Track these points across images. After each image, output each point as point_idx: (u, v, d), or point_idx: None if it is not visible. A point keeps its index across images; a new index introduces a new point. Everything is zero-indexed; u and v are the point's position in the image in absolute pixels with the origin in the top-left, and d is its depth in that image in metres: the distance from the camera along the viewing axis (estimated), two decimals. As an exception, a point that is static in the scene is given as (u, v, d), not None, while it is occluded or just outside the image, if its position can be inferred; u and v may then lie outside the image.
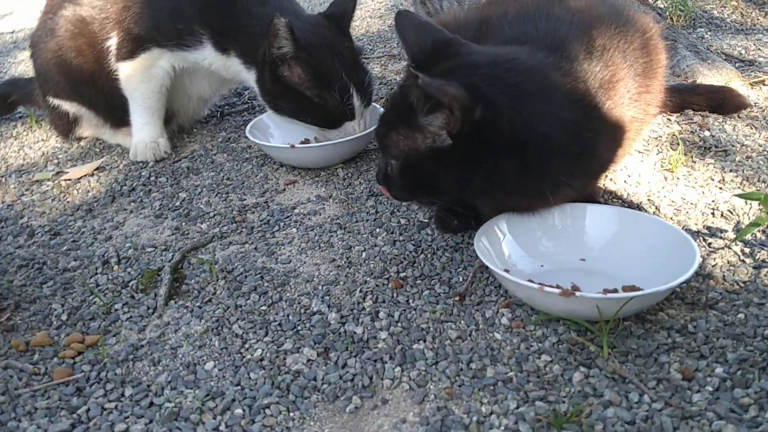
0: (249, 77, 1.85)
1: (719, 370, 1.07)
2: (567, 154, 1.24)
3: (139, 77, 1.97)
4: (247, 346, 1.23)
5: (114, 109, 2.09)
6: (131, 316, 1.34)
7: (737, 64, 2.38)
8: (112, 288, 1.43)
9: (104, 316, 1.35)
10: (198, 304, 1.35)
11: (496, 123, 1.15)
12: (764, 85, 2.19)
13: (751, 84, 2.19)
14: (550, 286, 1.13)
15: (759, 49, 2.53)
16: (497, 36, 1.37)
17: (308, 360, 1.18)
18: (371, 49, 2.93)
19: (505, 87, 1.17)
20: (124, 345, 1.26)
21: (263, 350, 1.21)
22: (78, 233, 1.67)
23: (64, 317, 1.35)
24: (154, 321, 1.32)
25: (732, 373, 1.06)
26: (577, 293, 1.10)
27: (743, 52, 2.50)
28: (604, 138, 1.32)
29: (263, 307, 1.33)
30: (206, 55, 1.90)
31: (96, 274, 1.49)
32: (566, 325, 1.19)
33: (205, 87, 2.09)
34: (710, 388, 1.04)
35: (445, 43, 1.29)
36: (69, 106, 2.12)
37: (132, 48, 1.95)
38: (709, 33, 2.73)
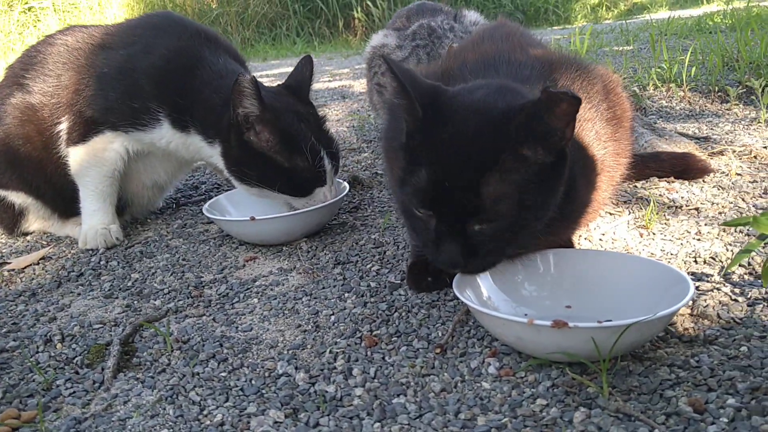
0: (212, 152, 1.79)
1: (731, 401, 0.97)
2: None
3: (90, 161, 1.89)
4: (205, 412, 1.09)
5: (63, 199, 1.99)
6: (75, 391, 1.19)
7: (693, 141, 2.41)
8: (54, 365, 1.29)
9: (44, 392, 1.19)
10: (150, 374, 1.22)
11: None
12: (723, 155, 2.20)
13: (710, 155, 2.20)
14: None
15: (711, 128, 2.58)
16: (459, 84, 1.34)
17: (275, 422, 1.04)
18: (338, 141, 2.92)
19: None
20: (66, 420, 1.10)
21: (223, 415, 1.07)
22: (19, 316, 1.53)
23: (-3, 396, 1.20)
24: (100, 394, 1.17)
25: (746, 403, 0.96)
26: (571, 324, 1.00)
27: (696, 131, 2.55)
28: (579, 178, 1.27)
29: (223, 374, 1.20)
30: (163, 134, 1.83)
31: (37, 352, 1.34)
32: (560, 368, 1.09)
33: (160, 173, 2.01)
34: (725, 419, 0.93)
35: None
36: (15, 197, 2.02)
37: (84, 131, 1.88)
38: (661, 119, 2.79)
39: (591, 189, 1.33)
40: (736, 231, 1.58)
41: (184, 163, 2.01)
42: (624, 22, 7.23)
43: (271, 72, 6.58)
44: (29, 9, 12.01)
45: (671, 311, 1.03)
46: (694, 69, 3.17)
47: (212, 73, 1.81)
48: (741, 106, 2.86)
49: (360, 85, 4.63)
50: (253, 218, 1.73)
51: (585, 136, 1.27)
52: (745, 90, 2.93)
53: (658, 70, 3.28)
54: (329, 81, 5.05)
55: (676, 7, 12.18)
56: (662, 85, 3.18)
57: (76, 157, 1.90)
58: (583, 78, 1.35)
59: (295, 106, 1.77)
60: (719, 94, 3.00)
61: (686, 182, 1.96)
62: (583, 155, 1.28)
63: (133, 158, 1.93)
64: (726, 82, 3.20)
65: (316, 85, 4.76)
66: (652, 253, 1.51)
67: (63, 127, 1.90)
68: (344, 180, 2.20)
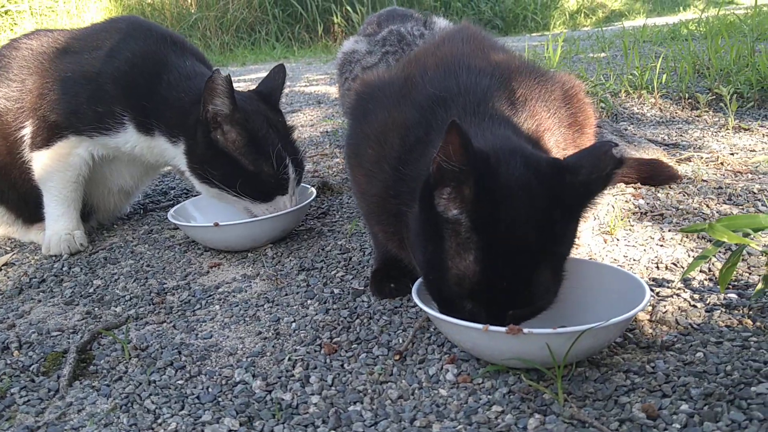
0: (176, 153, 1.77)
1: (685, 406, 0.97)
2: None
3: (54, 166, 1.87)
4: (159, 421, 1.07)
5: (27, 204, 1.97)
6: (29, 399, 1.17)
7: (662, 147, 2.42)
8: (10, 373, 1.26)
9: (-4, 401, 1.17)
10: (106, 382, 1.20)
11: None
12: (691, 161, 2.22)
13: (678, 161, 2.22)
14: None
15: (681, 135, 2.60)
16: (420, 93, 1.32)
17: (229, 430, 1.03)
18: (304, 151, 2.90)
19: None
20: (18, 428, 1.08)
21: (178, 424, 1.06)
22: (-25, 324, 1.50)
23: (-52, 406, 1.17)
24: (54, 402, 1.16)
25: (699, 409, 0.96)
26: (525, 330, 1.00)
27: (666, 138, 2.57)
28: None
29: (180, 381, 1.18)
30: (128, 138, 1.82)
31: (-8, 361, 1.32)
32: (516, 374, 1.09)
33: (126, 178, 1.99)
34: (678, 425, 0.93)
35: None
36: (-22, 204, 1.99)
37: (48, 136, 1.85)
38: (632, 126, 2.81)
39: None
40: (698, 237, 1.59)
41: (150, 167, 1.99)
42: (601, 29, 7.29)
43: (250, 77, 6.57)
44: (6, 12, 11.90)
45: (625, 318, 1.03)
46: (665, 76, 3.20)
47: (179, 75, 1.79)
48: (711, 112, 2.89)
49: (336, 91, 4.62)
50: (217, 224, 1.71)
51: (542, 146, 1.27)
52: (714, 97, 2.96)
53: (630, 77, 3.31)
54: (305, 86, 5.04)
55: (654, 15, 12.31)
56: (634, 92, 3.20)
57: (40, 162, 1.88)
58: (542, 86, 1.35)
59: (265, 111, 1.77)
60: (690, 101, 3.03)
61: (653, 188, 1.98)
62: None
63: (98, 163, 1.91)
64: (696, 89, 3.23)
65: (293, 89, 4.76)
66: (615, 259, 1.51)
67: (27, 131, 1.87)
68: (314, 185, 2.19)
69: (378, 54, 2.39)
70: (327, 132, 3.23)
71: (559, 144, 1.34)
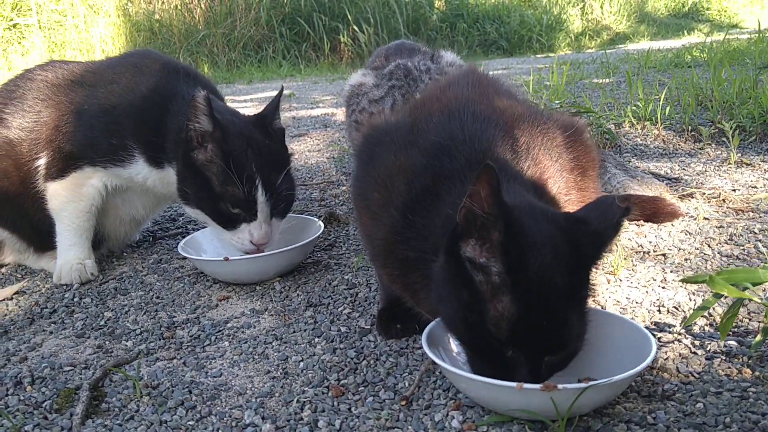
0: None
1: (685, 460, 0.99)
2: None
3: (69, 197, 1.90)
4: (171, 463, 1.10)
5: (39, 233, 2.00)
6: (41, 438, 1.20)
7: (665, 181, 2.46)
8: (23, 409, 1.29)
9: (11, 439, 1.20)
10: (119, 422, 1.22)
11: None
12: (693, 198, 2.25)
13: (680, 197, 2.25)
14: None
15: (683, 169, 2.64)
16: (426, 140, 1.35)
17: (240, 474, 1.06)
18: (310, 177, 2.94)
19: None
20: (31, 468, 1.11)
21: (189, 466, 1.08)
22: (-11, 356, 1.53)
23: (-37, 443, 1.20)
24: (67, 442, 1.18)
25: (699, 462, 0.99)
26: (526, 386, 1.02)
27: (669, 171, 2.60)
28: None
29: (190, 422, 1.21)
30: (140, 170, 1.86)
31: (6, 395, 1.34)
32: (521, 424, 1.11)
33: (138, 208, 2.03)
34: (678, 480, 0.96)
35: None
36: (-9, 231, 2.03)
37: (63, 167, 1.89)
38: (635, 158, 2.84)
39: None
40: (700, 280, 1.61)
41: (162, 198, 2.02)
42: (605, 52, 7.33)
43: (256, 96, 6.61)
44: (14, 26, 12.00)
45: (631, 374, 1.06)
46: (668, 108, 3.24)
47: (184, 104, 1.82)
48: (713, 145, 2.93)
49: (343, 114, 4.67)
50: (226, 258, 1.75)
51: (548, 191, 1.30)
52: (717, 130, 3.00)
53: (634, 108, 3.34)
54: (312, 108, 5.09)
55: (658, 38, 12.39)
56: (638, 123, 3.24)
57: (54, 192, 1.91)
58: (544, 133, 1.38)
59: (250, 133, 1.76)
60: (693, 133, 3.07)
61: (655, 226, 2.01)
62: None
63: (111, 193, 1.95)
64: (699, 121, 3.27)
65: (299, 113, 4.81)
66: (617, 301, 1.54)
67: (42, 162, 1.91)
68: (320, 216, 2.23)
69: (385, 87, 2.43)
70: (333, 158, 3.27)
71: (561, 191, 1.37)
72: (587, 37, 11.87)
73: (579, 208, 1.46)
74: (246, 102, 5.90)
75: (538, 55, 10.69)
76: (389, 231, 1.29)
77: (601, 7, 12.17)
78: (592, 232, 1.08)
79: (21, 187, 1.94)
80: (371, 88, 2.47)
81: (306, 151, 3.49)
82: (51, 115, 1.91)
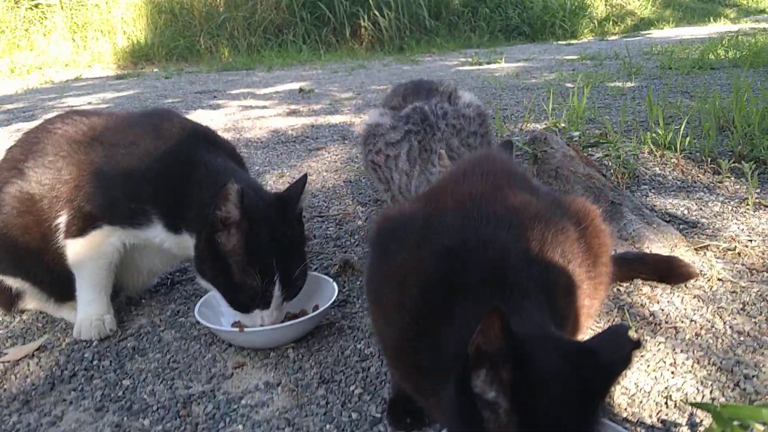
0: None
1: None
2: None
3: (88, 254, 1.95)
4: None
5: (60, 285, 2.04)
6: None
7: (681, 226, 2.46)
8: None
9: None
10: None
11: None
12: (708, 249, 2.25)
13: (696, 249, 2.25)
14: None
15: (701, 208, 2.63)
16: (439, 242, 1.35)
17: None
18: (326, 206, 2.97)
19: None
20: None
21: None
22: (12, 431, 1.58)
23: None
24: None
25: None
26: None
27: (686, 212, 2.59)
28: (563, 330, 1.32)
29: None
30: (157, 234, 1.89)
31: (27, 482, 1.40)
32: None
33: (155, 262, 2.07)
34: None
35: None
36: (12, 282, 2.07)
37: (82, 226, 1.93)
38: (652, 191, 2.84)
39: (566, 333, 1.37)
40: (709, 363, 1.63)
41: (179, 256, 2.06)
42: (627, 49, 7.23)
43: (276, 90, 6.61)
44: (36, 6, 12.06)
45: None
46: (688, 139, 3.21)
47: (206, 173, 1.85)
48: (732, 178, 2.91)
49: (361, 121, 4.67)
50: (241, 329, 1.79)
51: (560, 301, 1.31)
52: (736, 163, 2.97)
53: (653, 135, 3.32)
54: (331, 112, 5.09)
55: (683, 23, 12.20)
56: (657, 149, 3.23)
57: (73, 249, 1.95)
58: (558, 234, 1.39)
59: (274, 221, 1.80)
60: (712, 165, 3.05)
61: (669, 288, 2.01)
62: (561, 314, 1.33)
63: (129, 250, 1.99)
64: (720, 148, 3.24)
65: (317, 120, 4.82)
66: (626, 388, 1.56)
67: (62, 220, 1.95)
68: (335, 265, 2.25)
69: (401, 131, 2.44)
70: (350, 181, 3.28)
71: (573, 290, 1.39)
72: (611, 22, 11.72)
73: (590, 296, 1.49)
74: (266, 98, 5.92)
75: (561, 42, 10.59)
76: (400, 335, 1.31)
77: (627, -8, 11.98)
78: (602, 365, 1.10)
79: (42, 242, 1.98)
80: (388, 130, 2.49)
81: (323, 171, 3.51)
82: (71, 173, 1.94)
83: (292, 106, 5.50)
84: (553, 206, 1.51)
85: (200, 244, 1.79)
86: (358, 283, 2.21)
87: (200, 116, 5.03)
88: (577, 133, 3.12)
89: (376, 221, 1.54)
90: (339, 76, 7.79)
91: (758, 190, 2.70)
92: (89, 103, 6.49)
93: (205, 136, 1.95)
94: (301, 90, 6.34)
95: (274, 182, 3.37)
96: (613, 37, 10.87)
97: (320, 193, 3.15)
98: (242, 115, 5.15)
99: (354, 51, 10.60)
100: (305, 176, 1.91)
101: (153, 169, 1.87)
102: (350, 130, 4.41)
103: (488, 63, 8.07)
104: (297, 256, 1.83)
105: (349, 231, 2.66)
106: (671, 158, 3.16)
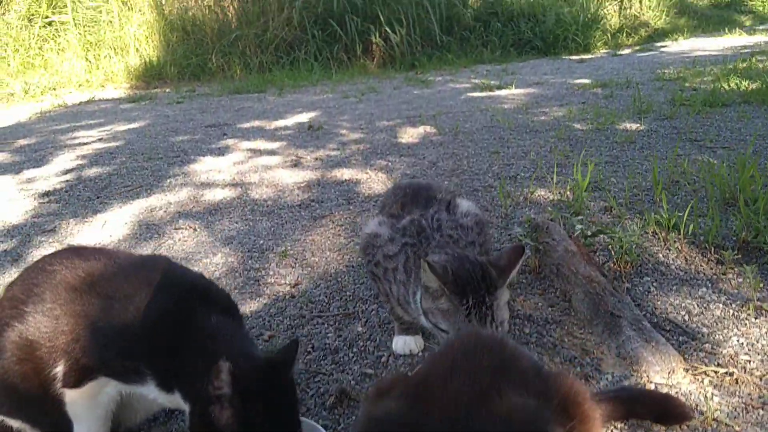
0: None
1: None
2: None
3: (85, 404, 1.98)
4: None
5: (59, 427, 2.08)
6: None
7: (681, 337, 2.45)
8: None
9: None
10: None
11: None
12: (706, 375, 2.24)
13: (693, 375, 2.25)
14: None
15: (702, 311, 2.61)
16: None
17: None
18: (327, 303, 2.97)
19: None
20: None
21: None
22: None
23: None
24: None
25: None
26: None
27: (687, 318, 2.58)
28: None
29: None
30: (150, 391, 1.91)
31: None
32: None
33: (152, 405, 2.10)
34: None
35: None
36: (12, 422, 2.11)
37: (79, 378, 1.95)
38: (654, 285, 2.83)
39: None
40: None
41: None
42: (641, 56, 7.16)
43: (284, 123, 6.61)
44: (49, 24, 12.15)
45: None
46: (692, 226, 3.19)
47: (200, 337, 1.87)
48: (735, 270, 2.89)
49: (367, 178, 4.68)
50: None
51: None
52: (740, 255, 2.95)
53: (657, 217, 3.31)
54: (339, 165, 5.08)
55: (698, 32, 12.06)
56: (660, 232, 3.21)
57: (71, 399, 1.98)
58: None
59: (267, 391, 1.80)
60: (716, 255, 3.02)
61: (663, 428, 2.01)
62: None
63: (125, 398, 2.02)
64: (725, 231, 3.22)
65: (326, 175, 4.82)
66: None
67: (59, 369, 1.97)
68: (331, 395, 2.27)
69: (398, 244, 2.45)
70: (353, 267, 3.28)
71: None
72: (624, 34, 11.60)
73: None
74: (275, 139, 5.93)
75: (573, 57, 10.49)
76: None
77: (640, 2, 11.84)
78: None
79: (40, 389, 2.01)
80: (386, 242, 2.50)
81: (327, 250, 3.52)
82: (69, 325, 1.96)
83: (300, 152, 5.51)
84: (542, 404, 1.52)
85: (194, 417, 1.81)
86: (354, 415, 2.22)
87: (208, 165, 5.04)
88: (579, 227, 3.10)
89: (360, 419, 1.56)
90: (349, 103, 7.78)
91: (760, 293, 2.68)
92: (100, 139, 6.54)
93: (201, 291, 1.97)
94: (310, 127, 6.35)
95: (276, 264, 3.38)
96: (626, 51, 10.75)
97: (322, 282, 3.15)
98: (249, 165, 5.16)
99: (365, 68, 10.59)
100: (296, 343, 1.91)
101: (147, 328, 1.89)
102: (356, 191, 4.41)
103: (499, 88, 8.02)
104: (290, 423, 1.85)
105: (349, 341, 2.65)
106: (675, 243, 3.14)
